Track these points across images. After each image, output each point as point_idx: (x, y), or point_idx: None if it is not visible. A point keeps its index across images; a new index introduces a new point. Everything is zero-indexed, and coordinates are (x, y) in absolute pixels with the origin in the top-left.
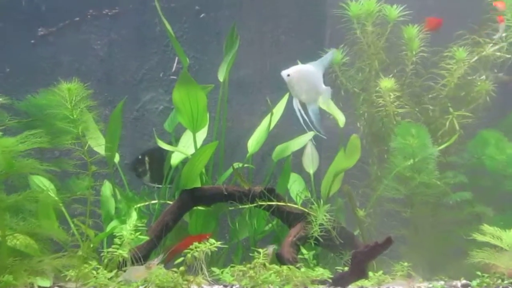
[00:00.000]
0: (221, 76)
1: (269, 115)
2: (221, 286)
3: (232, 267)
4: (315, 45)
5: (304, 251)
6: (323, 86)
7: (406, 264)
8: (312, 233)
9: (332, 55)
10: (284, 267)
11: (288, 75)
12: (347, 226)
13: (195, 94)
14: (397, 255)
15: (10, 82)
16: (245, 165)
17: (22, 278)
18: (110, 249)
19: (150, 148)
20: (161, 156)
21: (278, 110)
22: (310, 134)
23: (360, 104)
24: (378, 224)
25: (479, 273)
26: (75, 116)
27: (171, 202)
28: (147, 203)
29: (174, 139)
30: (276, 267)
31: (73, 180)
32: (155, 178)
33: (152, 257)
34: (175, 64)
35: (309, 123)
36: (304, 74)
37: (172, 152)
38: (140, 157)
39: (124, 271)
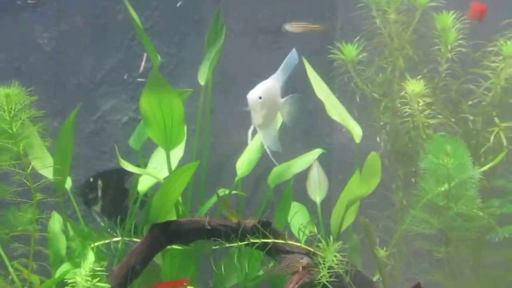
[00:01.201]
0: (203, 77)
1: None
2: None
3: None
4: (323, 38)
5: None
6: (281, 100)
7: None
8: (320, 279)
9: (295, 60)
10: None
11: (261, 98)
12: (364, 269)
13: (169, 101)
14: None
15: None
16: (234, 191)
17: None
18: None
19: (107, 169)
20: (119, 181)
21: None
22: (316, 152)
23: (381, 113)
24: (404, 267)
25: None
26: (14, 130)
27: (138, 240)
28: (107, 240)
29: (142, 159)
30: None
31: (13, 212)
32: (107, 209)
33: None
34: (143, 63)
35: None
36: (271, 93)
37: (140, 175)
38: (91, 179)
39: None
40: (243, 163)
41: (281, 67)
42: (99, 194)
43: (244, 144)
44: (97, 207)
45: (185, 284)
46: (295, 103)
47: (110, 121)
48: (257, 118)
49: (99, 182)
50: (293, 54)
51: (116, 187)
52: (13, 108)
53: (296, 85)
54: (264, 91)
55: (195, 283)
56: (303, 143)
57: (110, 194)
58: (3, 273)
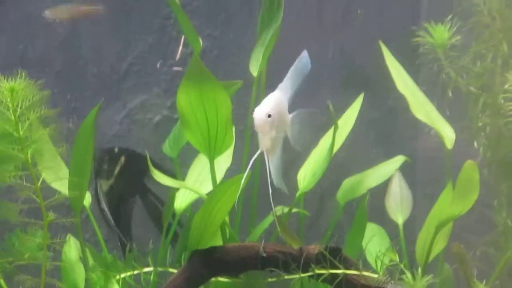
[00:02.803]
0: (255, 67)
1: (331, 130)
2: None
3: None
4: (406, 17)
5: None
6: (288, 117)
7: None
8: None
9: (307, 66)
10: None
11: (270, 116)
12: None
13: (213, 96)
14: None
15: None
16: (294, 210)
17: None
18: None
19: (137, 151)
20: (143, 171)
21: (347, 121)
22: (397, 161)
23: (479, 111)
24: None
25: None
26: (21, 133)
27: (175, 271)
28: (136, 271)
29: (179, 169)
30: None
31: (18, 236)
32: (115, 192)
33: None
34: (180, 48)
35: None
36: (280, 109)
37: (176, 189)
38: (116, 150)
39: None
40: (306, 175)
41: (288, 75)
42: (116, 170)
43: (306, 150)
44: (106, 184)
45: None
46: (305, 121)
47: (138, 122)
48: (265, 141)
49: (122, 158)
50: (303, 59)
51: (136, 175)
52: (19, 105)
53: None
54: (274, 106)
55: None
56: (380, 150)
57: (125, 178)
58: None
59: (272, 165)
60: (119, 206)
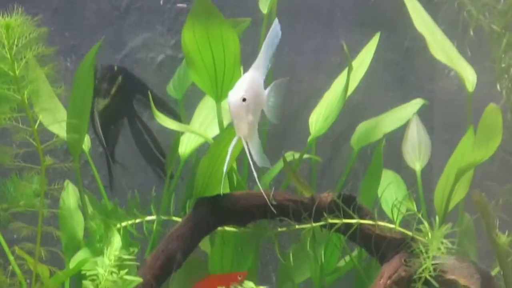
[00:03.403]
0: (264, 4)
1: (345, 72)
2: None
3: None
4: None
5: None
6: (264, 94)
7: None
8: (421, 274)
9: (278, 36)
10: None
11: (245, 100)
12: (479, 261)
13: (221, 34)
14: None
15: None
16: (306, 156)
17: None
18: None
19: (137, 76)
20: (140, 93)
21: (362, 62)
22: (415, 104)
23: (502, 51)
24: None
25: None
26: (17, 72)
27: (179, 220)
28: (139, 220)
29: (184, 112)
30: None
31: (14, 182)
32: (108, 113)
33: None
34: None
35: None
36: (256, 90)
37: (181, 134)
38: (116, 68)
39: None
40: (318, 119)
41: (262, 50)
42: (113, 90)
43: (319, 92)
44: (102, 103)
45: (240, 278)
46: (281, 92)
47: (140, 61)
48: (242, 127)
49: (120, 78)
50: (275, 28)
51: (127, 97)
52: (15, 43)
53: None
54: (249, 89)
55: (254, 278)
56: (397, 92)
57: (119, 99)
58: (1, 262)
59: (253, 148)
60: (109, 127)
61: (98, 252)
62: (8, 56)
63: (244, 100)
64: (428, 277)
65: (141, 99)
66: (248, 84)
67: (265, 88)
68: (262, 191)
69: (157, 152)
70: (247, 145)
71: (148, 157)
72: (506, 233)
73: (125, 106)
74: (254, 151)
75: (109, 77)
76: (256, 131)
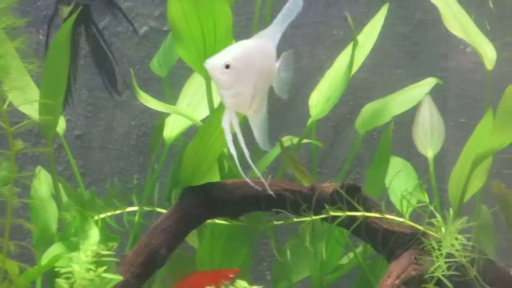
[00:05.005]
0: None
1: (348, 47)
2: None
3: None
4: None
5: None
6: (275, 66)
7: None
8: (433, 272)
9: (299, 6)
10: None
11: (228, 67)
12: (497, 258)
13: (211, 4)
14: None
15: None
16: (305, 140)
17: None
18: None
19: None
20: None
21: (368, 36)
22: (427, 83)
23: None
24: None
25: None
26: None
27: (164, 211)
28: (118, 211)
29: (170, 90)
30: None
31: None
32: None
33: None
34: None
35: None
36: (253, 60)
37: (166, 115)
38: None
39: None
40: (319, 100)
41: (277, 19)
42: None
43: (319, 70)
44: (66, 11)
45: (231, 275)
46: (290, 65)
47: (120, 34)
48: (227, 98)
49: None
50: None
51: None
52: None
53: None
54: (240, 57)
55: (247, 276)
56: (407, 70)
57: (79, 5)
58: None
59: (256, 127)
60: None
61: (73, 247)
62: None
63: (227, 67)
64: (441, 276)
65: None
66: (241, 52)
67: None
68: (256, 180)
69: (112, 61)
70: (233, 122)
71: (101, 66)
72: None
73: (82, 11)
74: (257, 131)
75: None
76: (262, 108)
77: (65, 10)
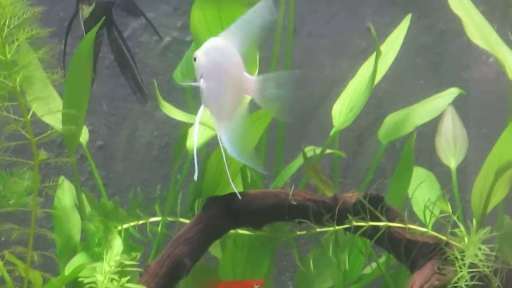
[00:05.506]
0: None
1: (371, 57)
2: None
3: None
4: None
5: None
6: (247, 76)
7: None
8: (456, 282)
9: (262, 16)
10: None
11: (195, 59)
12: None
13: (233, 14)
14: None
15: None
16: (328, 151)
17: None
18: None
19: None
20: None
21: (391, 46)
22: (450, 94)
23: None
24: None
25: None
26: (8, 56)
27: (187, 221)
28: (142, 221)
29: (193, 100)
30: None
31: (3, 178)
32: (92, 20)
33: None
34: None
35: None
36: (218, 58)
37: (189, 125)
38: None
39: None
40: (342, 110)
41: (238, 21)
42: None
43: (342, 80)
44: (87, 11)
45: (256, 286)
46: (286, 85)
47: (143, 45)
48: (207, 94)
49: None
50: (264, 4)
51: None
52: (6, 24)
53: None
54: (211, 51)
55: (269, 285)
56: (429, 80)
57: (102, 7)
58: None
59: (222, 132)
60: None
61: (96, 257)
62: None
63: (194, 59)
64: (464, 286)
65: (121, 4)
66: (212, 48)
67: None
68: (279, 190)
69: (133, 64)
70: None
71: (124, 68)
72: None
73: (104, 12)
74: (224, 136)
75: None
76: (228, 114)
77: (86, 10)
